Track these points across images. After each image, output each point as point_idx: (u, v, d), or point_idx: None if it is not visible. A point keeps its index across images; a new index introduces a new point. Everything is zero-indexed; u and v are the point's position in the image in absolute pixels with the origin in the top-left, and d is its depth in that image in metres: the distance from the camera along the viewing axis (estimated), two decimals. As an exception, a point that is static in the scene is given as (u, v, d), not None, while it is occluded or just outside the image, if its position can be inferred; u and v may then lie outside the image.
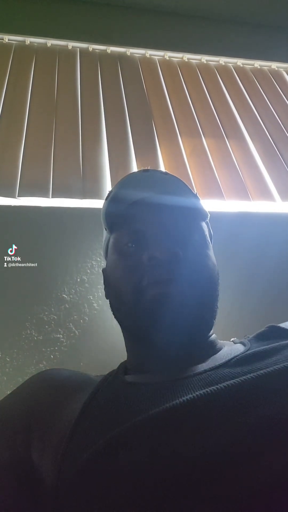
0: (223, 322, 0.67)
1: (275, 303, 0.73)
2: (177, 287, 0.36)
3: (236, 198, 0.90)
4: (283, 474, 0.23)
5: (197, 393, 0.29)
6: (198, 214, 0.45)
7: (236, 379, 0.30)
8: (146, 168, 0.45)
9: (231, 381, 0.29)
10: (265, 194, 0.93)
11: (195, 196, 0.45)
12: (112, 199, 0.44)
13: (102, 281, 0.49)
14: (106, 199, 0.45)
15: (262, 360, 0.33)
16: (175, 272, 0.37)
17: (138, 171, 0.45)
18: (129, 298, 0.39)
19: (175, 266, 0.37)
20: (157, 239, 0.39)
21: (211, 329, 0.43)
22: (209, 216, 0.48)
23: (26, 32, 1.10)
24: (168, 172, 0.45)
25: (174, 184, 0.44)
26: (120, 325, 0.44)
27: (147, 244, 0.40)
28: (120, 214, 0.44)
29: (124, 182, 0.45)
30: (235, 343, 0.44)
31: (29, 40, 1.11)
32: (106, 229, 0.47)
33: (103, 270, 0.49)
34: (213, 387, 0.29)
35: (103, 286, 0.48)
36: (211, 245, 0.46)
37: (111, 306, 0.44)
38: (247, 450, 0.24)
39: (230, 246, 0.77)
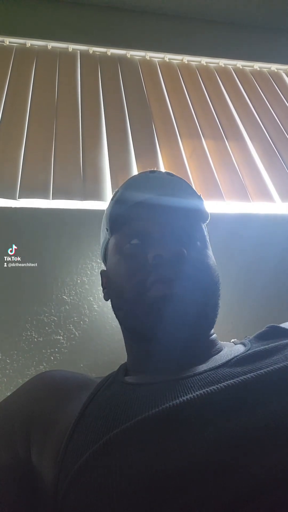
0: (223, 322, 0.67)
1: (274, 303, 0.73)
2: (182, 286, 0.37)
3: (236, 199, 0.90)
4: (285, 473, 0.23)
5: (197, 393, 0.29)
6: (200, 215, 0.46)
7: (237, 379, 0.30)
8: (152, 169, 0.46)
9: (231, 381, 0.29)
10: (265, 195, 0.93)
11: (199, 197, 0.46)
12: (117, 199, 0.45)
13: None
14: (112, 200, 0.46)
15: (263, 359, 0.33)
16: (180, 271, 0.37)
17: (144, 171, 0.46)
18: (132, 296, 0.38)
19: (181, 266, 0.38)
20: (163, 238, 0.40)
21: (212, 327, 0.43)
22: (209, 218, 0.49)
23: (27, 35, 1.11)
24: (174, 174, 0.46)
25: (179, 185, 0.45)
26: (121, 324, 0.44)
27: (152, 243, 0.40)
28: (125, 214, 0.44)
29: (130, 183, 0.46)
30: (235, 344, 0.44)
31: (29, 42, 1.12)
32: (107, 230, 0.47)
33: (102, 273, 0.50)
34: (213, 387, 0.29)
35: (101, 288, 0.49)
36: (210, 246, 0.47)
37: (112, 306, 0.44)
38: (248, 449, 0.24)
39: (230, 247, 0.77)
